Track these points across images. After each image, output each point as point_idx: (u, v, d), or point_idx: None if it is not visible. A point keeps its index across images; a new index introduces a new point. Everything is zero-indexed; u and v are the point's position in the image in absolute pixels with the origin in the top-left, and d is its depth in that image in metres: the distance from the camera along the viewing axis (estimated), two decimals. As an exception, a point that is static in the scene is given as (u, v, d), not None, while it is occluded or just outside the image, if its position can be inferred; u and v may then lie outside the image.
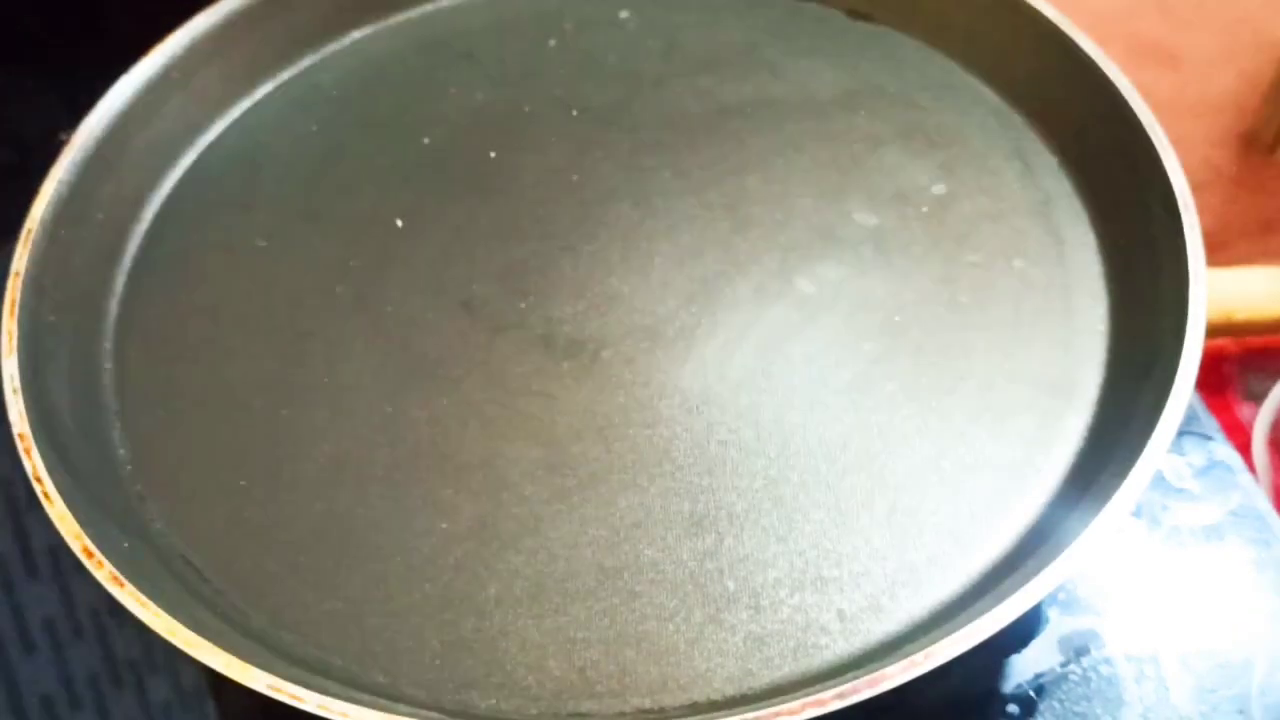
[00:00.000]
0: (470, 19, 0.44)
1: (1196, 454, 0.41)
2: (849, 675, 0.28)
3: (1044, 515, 0.31)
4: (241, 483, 0.33)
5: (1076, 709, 0.36)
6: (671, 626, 0.31)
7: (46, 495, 0.31)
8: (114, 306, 0.37)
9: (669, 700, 0.30)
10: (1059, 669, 0.36)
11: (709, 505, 0.32)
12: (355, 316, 0.36)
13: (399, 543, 0.32)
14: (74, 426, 0.34)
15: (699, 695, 0.30)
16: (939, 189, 0.38)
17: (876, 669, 0.27)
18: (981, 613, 0.28)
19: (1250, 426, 0.71)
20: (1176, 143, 0.34)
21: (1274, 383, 0.71)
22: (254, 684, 0.28)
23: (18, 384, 0.33)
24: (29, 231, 0.36)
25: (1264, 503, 0.40)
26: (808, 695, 0.27)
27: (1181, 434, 0.41)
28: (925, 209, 0.37)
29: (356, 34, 0.43)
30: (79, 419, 0.34)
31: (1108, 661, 0.37)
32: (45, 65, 0.45)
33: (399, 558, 0.32)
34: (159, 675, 0.36)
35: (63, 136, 0.38)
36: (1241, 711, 0.36)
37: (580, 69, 0.42)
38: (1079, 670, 0.36)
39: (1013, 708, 0.36)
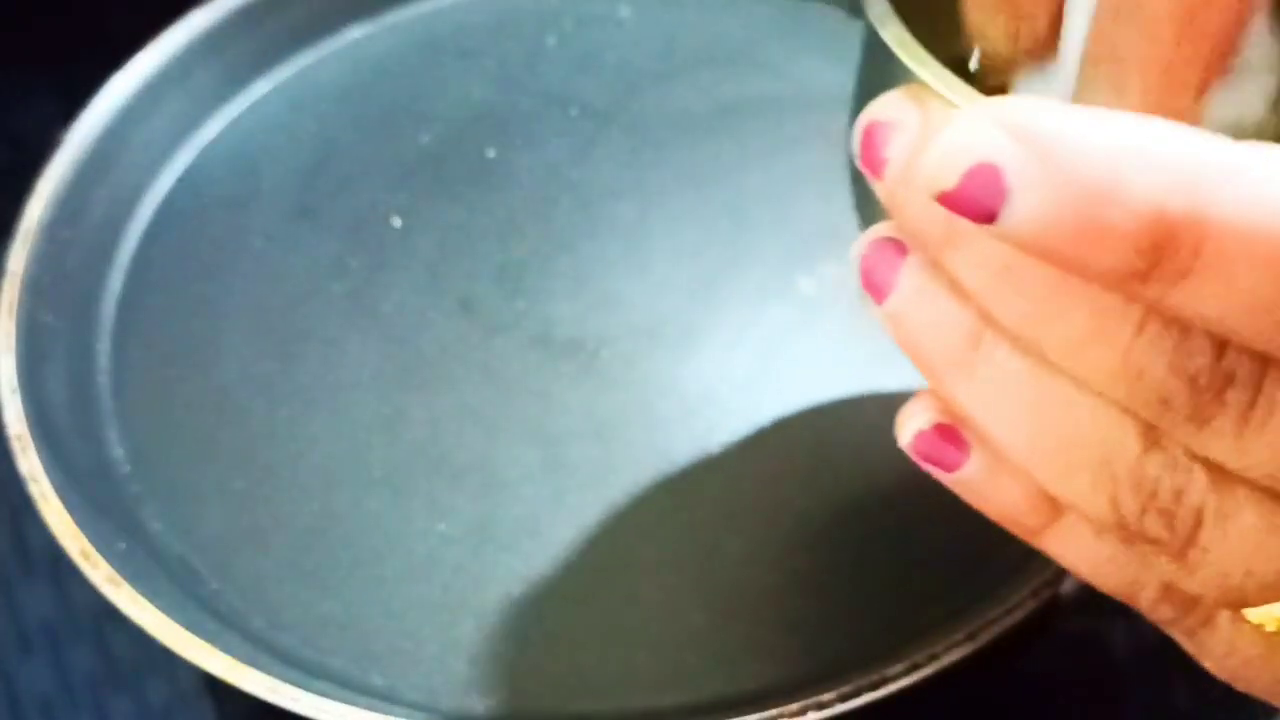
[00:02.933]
0: (469, 16, 0.44)
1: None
2: (851, 677, 0.28)
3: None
4: (239, 483, 0.33)
5: (1077, 709, 0.36)
6: (671, 627, 0.30)
7: (43, 496, 0.31)
8: (111, 306, 0.37)
9: (669, 700, 0.30)
10: (1060, 669, 0.36)
11: (711, 506, 0.32)
12: (352, 316, 0.36)
13: (397, 544, 0.32)
14: (71, 427, 0.34)
15: (699, 695, 0.30)
16: (940, 187, 0.38)
17: (879, 671, 0.27)
18: (984, 615, 0.28)
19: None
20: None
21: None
22: (252, 687, 0.28)
23: (15, 384, 0.33)
24: (26, 231, 0.36)
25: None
26: (809, 696, 0.27)
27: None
28: (926, 207, 0.37)
29: (355, 32, 0.43)
30: (76, 419, 0.34)
31: (1108, 662, 0.36)
32: (42, 62, 0.45)
33: (397, 559, 0.32)
34: (157, 676, 0.36)
35: (59, 135, 0.38)
36: (1241, 710, 0.36)
37: (579, 67, 0.42)
38: (1080, 670, 0.36)
39: (1014, 709, 0.36)
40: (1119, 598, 0.22)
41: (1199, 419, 0.17)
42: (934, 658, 0.28)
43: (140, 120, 0.39)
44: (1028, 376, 0.19)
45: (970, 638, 0.28)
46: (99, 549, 0.30)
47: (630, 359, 0.35)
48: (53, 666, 0.36)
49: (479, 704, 0.30)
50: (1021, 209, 0.16)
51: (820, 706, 0.27)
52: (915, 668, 0.28)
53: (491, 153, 0.40)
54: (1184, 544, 0.18)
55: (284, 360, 0.36)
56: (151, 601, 0.29)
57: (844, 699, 0.27)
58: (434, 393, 0.35)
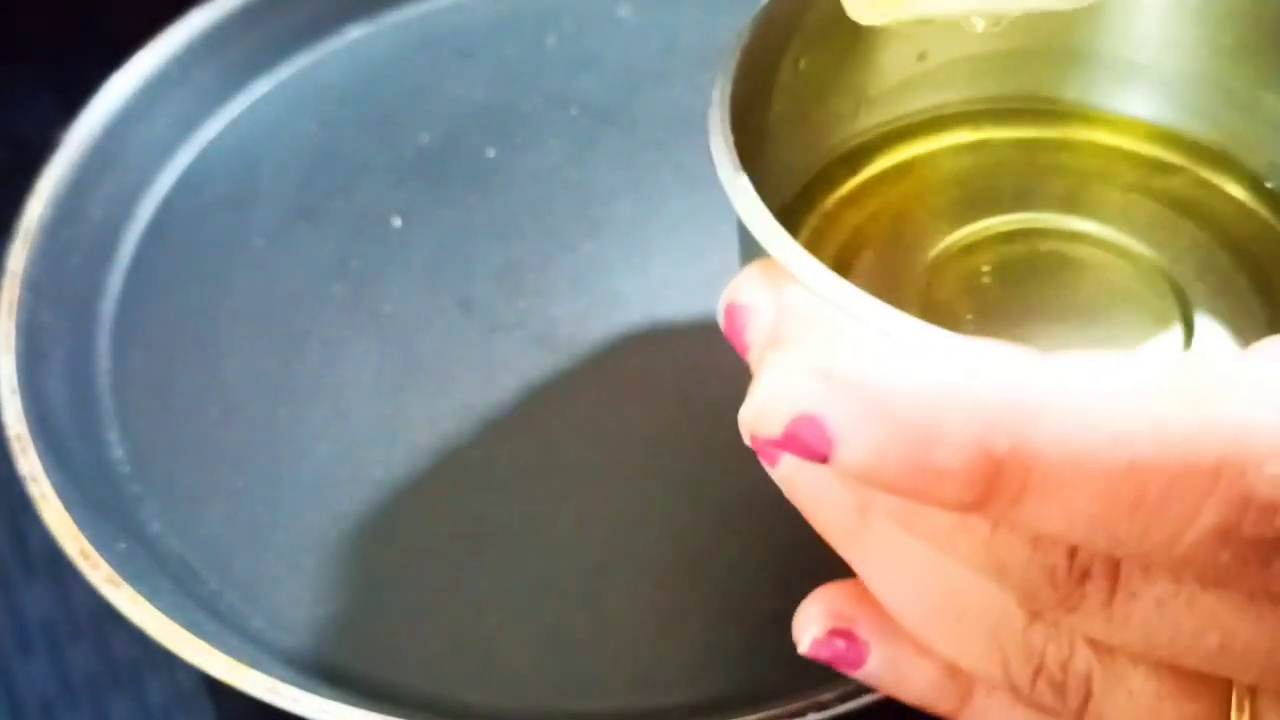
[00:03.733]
0: (468, 16, 0.44)
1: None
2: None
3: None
4: (239, 483, 0.33)
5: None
6: (672, 626, 0.30)
7: (43, 496, 0.31)
8: (111, 306, 0.37)
9: (669, 700, 0.30)
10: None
11: (710, 506, 0.32)
12: (353, 316, 0.36)
13: (396, 544, 0.32)
14: (70, 427, 0.34)
15: (699, 695, 0.30)
16: (939, 187, 0.38)
17: (878, 671, 0.27)
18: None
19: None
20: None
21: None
22: (252, 687, 0.28)
23: (15, 384, 0.33)
24: (26, 230, 0.36)
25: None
26: (810, 696, 0.27)
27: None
28: (926, 207, 0.37)
29: (354, 32, 0.43)
30: (76, 419, 0.34)
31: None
32: (41, 62, 0.45)
33: (397, 559, 0.32)
34: (157, 676, 0.36)
35: (59, 135, 0.38)
36: (1243, 711, 0.36)
37: (579, 66, 0.42)
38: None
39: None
40: None
41: (1065, 606, 0.17)
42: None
43: (140, 120, 0.39)
44: (914, 549, 0.19)
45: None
46: (99, 549, 0.30)
47: (630, 359, 0.35)
48: (53, 666, 0.36)
49: (479, 703, 0.30)
50: (849, 455, 0.16)
51: (820, 706, 0.27)
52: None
53: (491, 153, 0.40)
54: (1078, 710, 0.18)
55: (284, 360, 0.35)
56: (151, 601, 0.29)
57: (844, 699, 0.27)
58: (433, 392, 0.34)
